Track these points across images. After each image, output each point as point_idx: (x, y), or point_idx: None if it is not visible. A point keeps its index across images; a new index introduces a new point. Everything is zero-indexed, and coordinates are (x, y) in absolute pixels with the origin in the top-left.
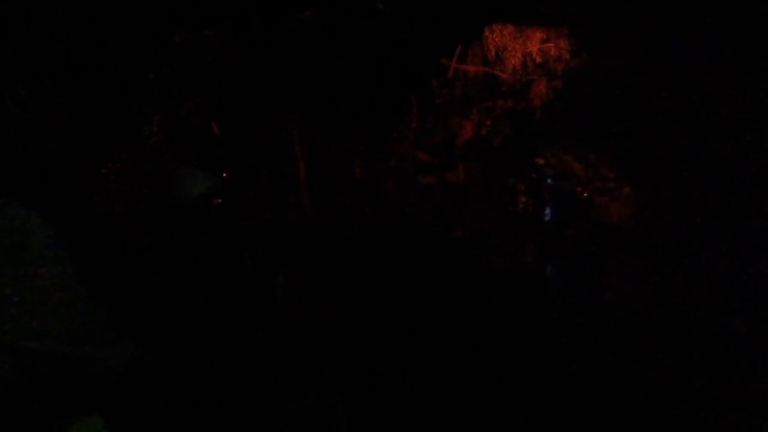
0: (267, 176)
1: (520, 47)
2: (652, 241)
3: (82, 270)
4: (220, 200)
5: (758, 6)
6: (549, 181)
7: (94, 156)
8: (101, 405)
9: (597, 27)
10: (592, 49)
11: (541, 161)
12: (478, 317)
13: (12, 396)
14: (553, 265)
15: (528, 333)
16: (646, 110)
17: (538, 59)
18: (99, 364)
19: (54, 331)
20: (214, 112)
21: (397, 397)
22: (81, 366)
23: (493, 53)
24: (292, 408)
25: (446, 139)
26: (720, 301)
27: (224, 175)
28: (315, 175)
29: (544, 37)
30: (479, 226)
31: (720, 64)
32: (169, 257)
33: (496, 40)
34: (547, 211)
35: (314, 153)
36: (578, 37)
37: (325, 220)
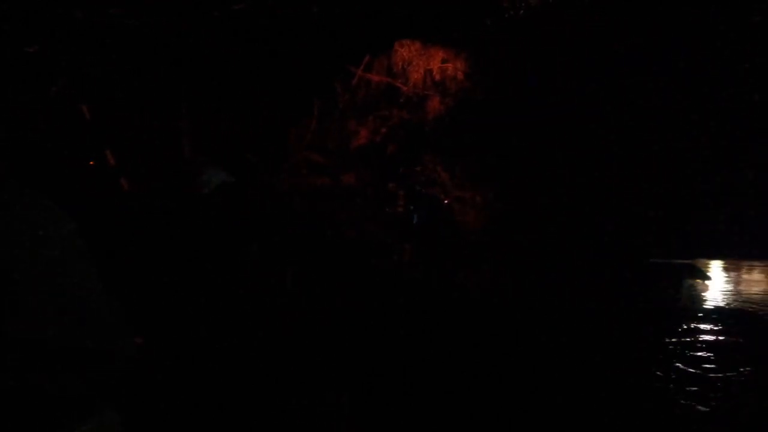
0: (144, 166)
1: (423, 63)
2: (496, 244)
3: (99, 263)
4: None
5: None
6: (417, 188)
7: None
8: (116, 400)
9: (489, 55)
10: (482, 73)
11: (417, 169)
12: (366, 318)
13: (26, 390)
14: (423, 265)
15: (406, 331)
16: (502, 132)
17: (437, 77)
18: (114, 359)
19: (70, 325)
20: (90, 96)
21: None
22: (96, 361)
23: (400, 66)
24: (293, 407)
25: (342, 143)
26: (562, 297)
27: (91, 163)
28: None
29: (445, 57)
30: (366, 227)
31: (584, 96)
32: (181, 252)
33: (404, 54)
34: (415, 216)
35: (204, 146)
36: (474, 61)
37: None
